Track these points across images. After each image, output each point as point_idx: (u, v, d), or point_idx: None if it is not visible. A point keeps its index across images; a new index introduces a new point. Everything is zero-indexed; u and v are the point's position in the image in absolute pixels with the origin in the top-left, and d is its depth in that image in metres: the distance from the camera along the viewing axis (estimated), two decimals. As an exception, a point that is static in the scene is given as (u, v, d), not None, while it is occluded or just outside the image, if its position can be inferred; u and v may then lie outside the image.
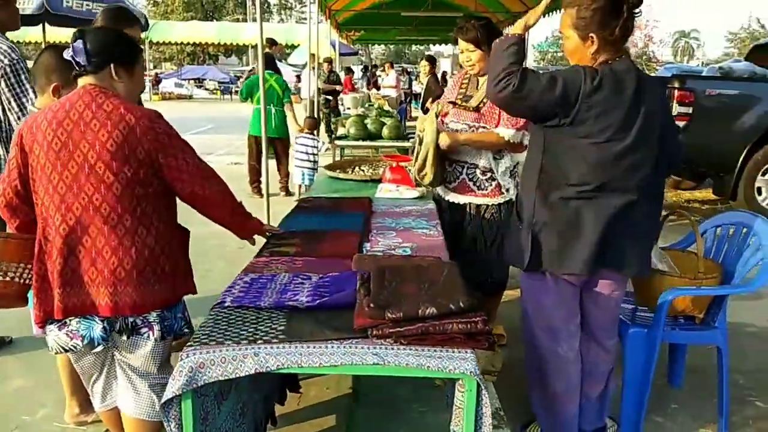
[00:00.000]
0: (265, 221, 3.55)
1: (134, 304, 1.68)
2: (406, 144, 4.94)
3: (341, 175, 3.43)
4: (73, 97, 1.67)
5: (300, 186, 6.44)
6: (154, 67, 32.39)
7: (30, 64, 2.47)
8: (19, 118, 2.49)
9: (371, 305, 1.40)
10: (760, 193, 5.96)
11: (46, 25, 6.57)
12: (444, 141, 2.72)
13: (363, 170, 3.58)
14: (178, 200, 1.83)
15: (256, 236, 2.11)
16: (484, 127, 2.78)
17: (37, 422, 2.50)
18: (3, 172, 1.82)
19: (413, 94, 17.40)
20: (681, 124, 5.71)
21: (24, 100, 2.51)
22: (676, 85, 5.74)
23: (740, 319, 3.53)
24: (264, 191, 4.62)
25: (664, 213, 2.65)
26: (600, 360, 2.25)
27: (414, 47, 37.86)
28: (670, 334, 2.41)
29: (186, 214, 1.90)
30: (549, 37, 49.88)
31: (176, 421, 1.40)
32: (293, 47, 21.07)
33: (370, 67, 20.62)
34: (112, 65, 1.71)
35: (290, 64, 28.50)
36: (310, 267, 1.90)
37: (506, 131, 2.70)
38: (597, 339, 2.23)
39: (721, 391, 2.48)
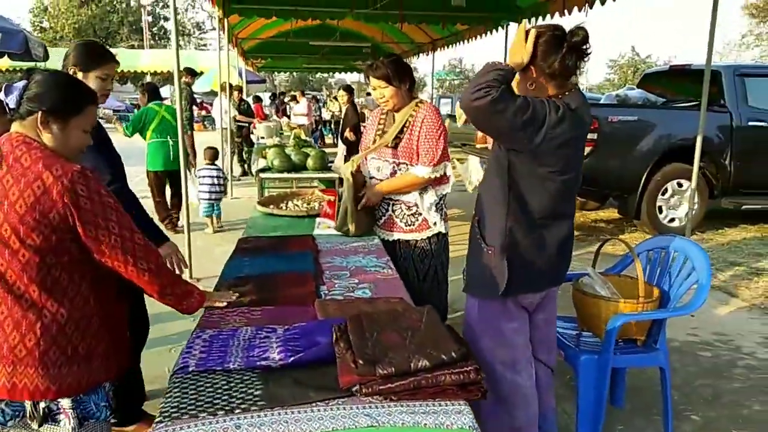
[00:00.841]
0: (186, 257, 3.38)
1: (35, 388, 1.46)
2: (333, 175, 4.87)
3: (276, 211, 3.30)
4: None
5: (212, 218, 6.47)
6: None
7: None
8: None
9: (360, 362, 1.31)
10: (661, 212, 6.42)
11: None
12: (369, 201, 2.83)
13: (297, 205, 3.47)
14: None
15: None
16: (404, 164, 2.82)
17: None
18: None
19: (323, 122, 17.39)
20: (587, 149, 6.06)
21: None
22: (582, 113, 6.09)
23: (663, 334, 3.73)
24: (182, 225, 4.40)
25: (599, 242, 2.77)
26: (546, 379, 2.31)
27: (318, 74, 38.00)
28: (617, 359, 2.48)
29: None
30: (446, 65, 51.96)
31: None
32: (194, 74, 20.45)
33: (278, 95, 20.40)
34: (40, 113, 1.49)
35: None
36: (271, 317, 1.77)
37: (423, 170, 2.75)
38: (544, 359, 2.30)
39: (666, 409, 2.58)
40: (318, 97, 20.51)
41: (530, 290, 2.10)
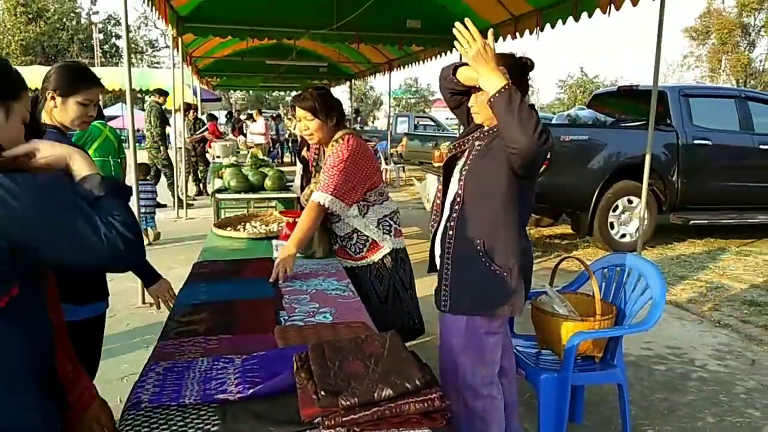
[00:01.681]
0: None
1: None
2: (292, 195, 4.83)
3: (234, 234, 3.23)
4: None
5: (147, 231, 6.72)
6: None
7: None
8: None
9: (322, 393, 1.28)
10: (613, 228, 6.60)
11: None
12: (286, 268, 2.45)
13: (255, 226, 3.41)
14: None
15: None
16: None
17: None
18: None
19: (281, 140, 17.28)
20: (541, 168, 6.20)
21: None
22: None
23: (619, 349, 3.80)
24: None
25: (555, 258, 2.81)
26: (511, 398, 2.34)
27: (275, 93, 37.84)
28: (576, 377, 2.50)
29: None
30: (402, 84, 52.56)
31: None
32: (147, 92, 20.12)
33: (234, 113, 20.19)
34: None
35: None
36: (229, 347, 1.71)
37: (318, 195, 2.65)
38: (510, 372, 2.36)
39: (624, 424, 2.62)
40: (279, 114, 20.39)
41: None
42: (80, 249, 1.11)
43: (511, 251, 2.04)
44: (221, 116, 18.50)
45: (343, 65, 13.69)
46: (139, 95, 22.64)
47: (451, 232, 2.11)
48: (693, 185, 6.68)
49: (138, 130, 11.32)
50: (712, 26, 33.47)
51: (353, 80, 16.96)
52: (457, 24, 1.82)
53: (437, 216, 2.25)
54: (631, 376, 3.49)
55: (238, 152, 9.22)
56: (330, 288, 2.36)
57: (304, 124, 2.76)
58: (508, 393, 2.34)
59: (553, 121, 8.10)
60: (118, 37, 36.54)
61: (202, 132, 10.62)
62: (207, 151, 10.48)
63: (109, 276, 2.29)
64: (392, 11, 7.73)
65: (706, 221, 6.82)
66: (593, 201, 6.43)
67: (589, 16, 5.56)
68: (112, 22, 36.66)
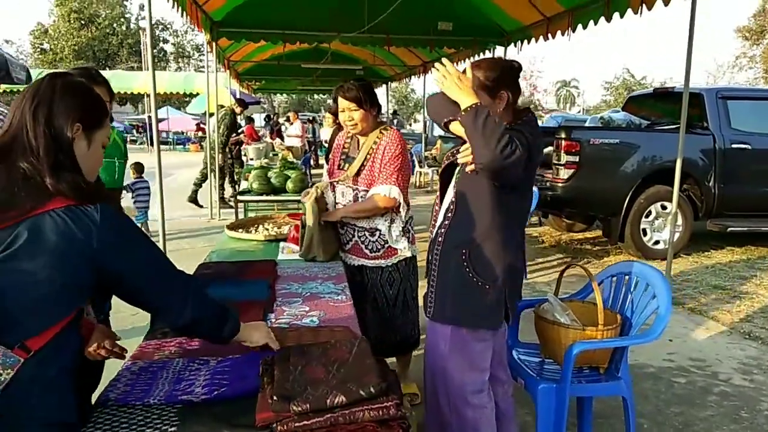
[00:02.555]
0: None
1: None
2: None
3: (244, 236, 3.28)
4: None
5: (144, 224, 7.31)
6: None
7: None
8: None
9: (275, 398, 1.28)
10: (645, 234, 6.39)
11: None
12: (327, 217, 2.82)
13: (267, 229, 3.45)
14: None
15: None
16: (365, 190, 2.82)
17: None
18: None
19: (316, 143, 17.45)
20: (570, 171, 6.07)
21: None
22: (563, 135, 6.11)
23: (637, 360, 3.68)
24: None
25: (564, 266, 2.76)
26: (507, 407, 2.31)
27: (316, 96, 38.25)
28: (577, 388, 2.43)
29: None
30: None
31: None
32: (192, 95, 20.69)
33: (273, 116, 20.51)
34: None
35: (189, 113, 27.84)
36: (207, 348, 1.74)
37: (381, 188, 2.72)
38: (505, 379, 2.33)
39: (628, 439, 2.53)
40: (312, 117, 20.61)
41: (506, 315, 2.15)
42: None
43: (497, 264, 2.01)
44: (259, 119, 18.83)
45: (378, 68, 13.70)
46: (185, 99, 23.34)
47: (440, 239, 2.09)
48: (731, 191, 6.41)
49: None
50: (767, 25, 32.07)
51: (389, 83, 16.98)
52: (437, 64, 1.95)
53: (435, 222, 2.24)
54: (649, 389, 3.38)
55: (275, 155, 9.34)
56: (324, 291, 2.36)
57: (348, 115, 2.80)
58: (504, 402, 2.31)
59: (587, 124, 7.92)
60: (165, 41, 37.64)
61: (239, 134, 10.82)
62: (244, 154, 10.66)
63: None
64: (423, 13, 7.70)
65: (745, 228, 6.54)
66: (624, 206, 6.24)
67: (621, 16, 5.40)
68: (160, 27, 37.80)
